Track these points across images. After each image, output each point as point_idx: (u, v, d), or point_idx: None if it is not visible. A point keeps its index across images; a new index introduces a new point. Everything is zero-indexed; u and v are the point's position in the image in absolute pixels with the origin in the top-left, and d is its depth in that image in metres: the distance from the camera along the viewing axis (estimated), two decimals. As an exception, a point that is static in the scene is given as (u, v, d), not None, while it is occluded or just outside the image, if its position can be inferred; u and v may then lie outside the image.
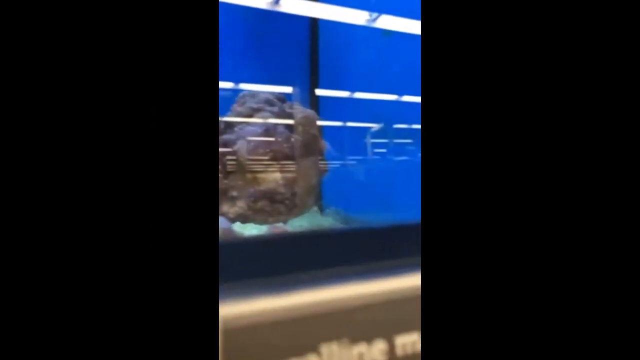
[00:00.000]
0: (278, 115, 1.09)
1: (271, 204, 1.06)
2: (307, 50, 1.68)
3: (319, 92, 1.62)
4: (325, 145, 1.22)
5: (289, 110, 1.16)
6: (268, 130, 1.04)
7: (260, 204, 1.05)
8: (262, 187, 1.04)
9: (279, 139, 1.04)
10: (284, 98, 1.24)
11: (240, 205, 1.05)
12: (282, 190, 1.04)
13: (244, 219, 1.06)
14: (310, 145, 1.14)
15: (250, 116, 1.08)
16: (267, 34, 1.57)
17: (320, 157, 1.18)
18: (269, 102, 1.12)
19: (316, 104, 1.60)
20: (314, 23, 1.69)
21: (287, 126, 1.13)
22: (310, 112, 1.19)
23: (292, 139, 1.06)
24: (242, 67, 1.50)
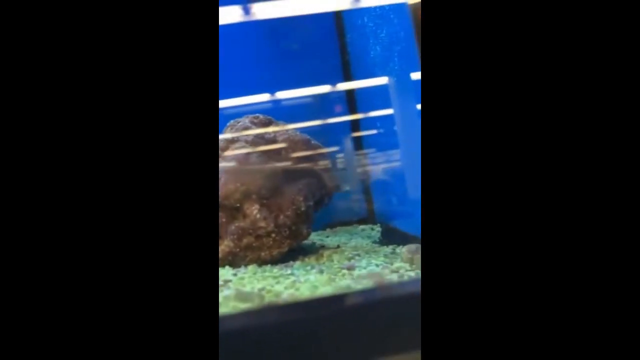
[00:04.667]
0: (254, 143, 1.02)
1: (257, 239, 0.99)
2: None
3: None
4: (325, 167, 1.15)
5: (271, 135, 1.09)
6: (240, 162, 0.97)
7: (245, 241, 0.98)
8: (242, 223, 0.97)
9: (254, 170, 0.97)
10: (269, 120, 1.17)
11: (226, 244, 0.99)
12: (261, 224, 0.96)
13: (233, 257, 1.00)
14: (297, 170, 1.07)
15: (226, 149, 1.02)
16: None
17: (313, 180, 1.10)
18: (246, 130, 1.06)
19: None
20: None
21: (270, 151, 1.07)
22: (295, 134, 1.13)
23: (269, 167, 0.99)
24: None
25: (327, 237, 1.38)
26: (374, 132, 1.38)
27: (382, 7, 1.08)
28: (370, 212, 1.50)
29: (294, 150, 1.05)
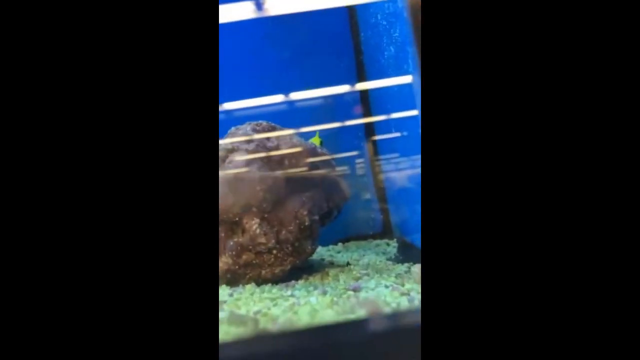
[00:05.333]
0: (255, 153, 0.95)
1: (257, 256, 0.91)
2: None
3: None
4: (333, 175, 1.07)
5: (274, 143, 1.02)
6: (240, 173, 0.90)
7: (244, 258, 0.91)
8: (241, 239, 0.90)
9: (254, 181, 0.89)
10: (273, 128, 1.10)
11: (224, 261, 0.91)
12: (262, 240, 0.89)
13: (232, 275, 0.93)
14: (301, 181, 0.99)
15: (225, 158, 0.95)
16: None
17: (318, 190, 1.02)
18: (248, 138, 0.99)
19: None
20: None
21: (272, 161, 0.99)
22: (300, 142, 1.05)
23: (271, 178, 0.91)
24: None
25: (339, 252, 1.29)
26: (390, 136, 1.29)
27: (394, 4, 1.00)
28: (387, 226, 1.41)
29: (299, 160, 0.97)
